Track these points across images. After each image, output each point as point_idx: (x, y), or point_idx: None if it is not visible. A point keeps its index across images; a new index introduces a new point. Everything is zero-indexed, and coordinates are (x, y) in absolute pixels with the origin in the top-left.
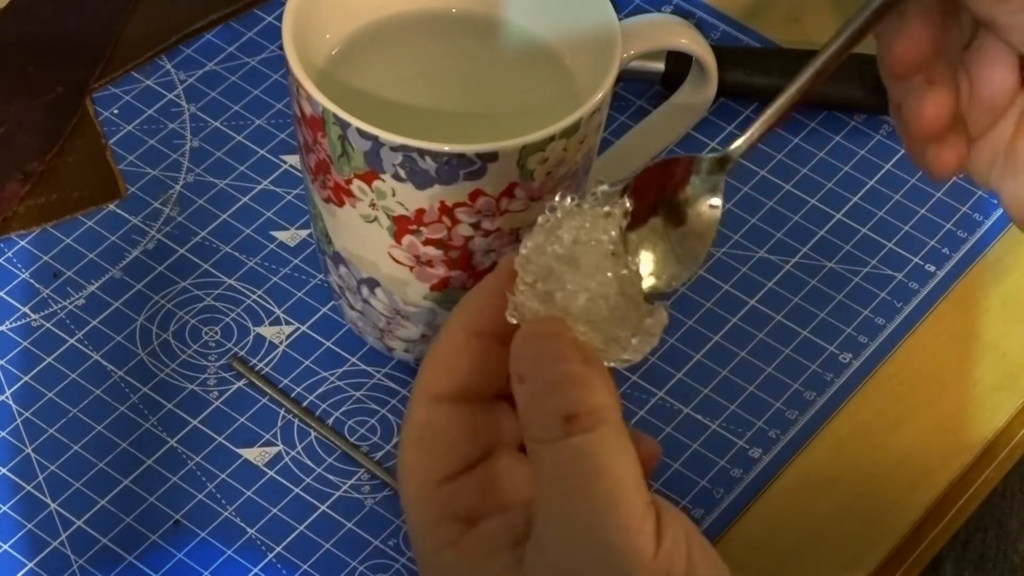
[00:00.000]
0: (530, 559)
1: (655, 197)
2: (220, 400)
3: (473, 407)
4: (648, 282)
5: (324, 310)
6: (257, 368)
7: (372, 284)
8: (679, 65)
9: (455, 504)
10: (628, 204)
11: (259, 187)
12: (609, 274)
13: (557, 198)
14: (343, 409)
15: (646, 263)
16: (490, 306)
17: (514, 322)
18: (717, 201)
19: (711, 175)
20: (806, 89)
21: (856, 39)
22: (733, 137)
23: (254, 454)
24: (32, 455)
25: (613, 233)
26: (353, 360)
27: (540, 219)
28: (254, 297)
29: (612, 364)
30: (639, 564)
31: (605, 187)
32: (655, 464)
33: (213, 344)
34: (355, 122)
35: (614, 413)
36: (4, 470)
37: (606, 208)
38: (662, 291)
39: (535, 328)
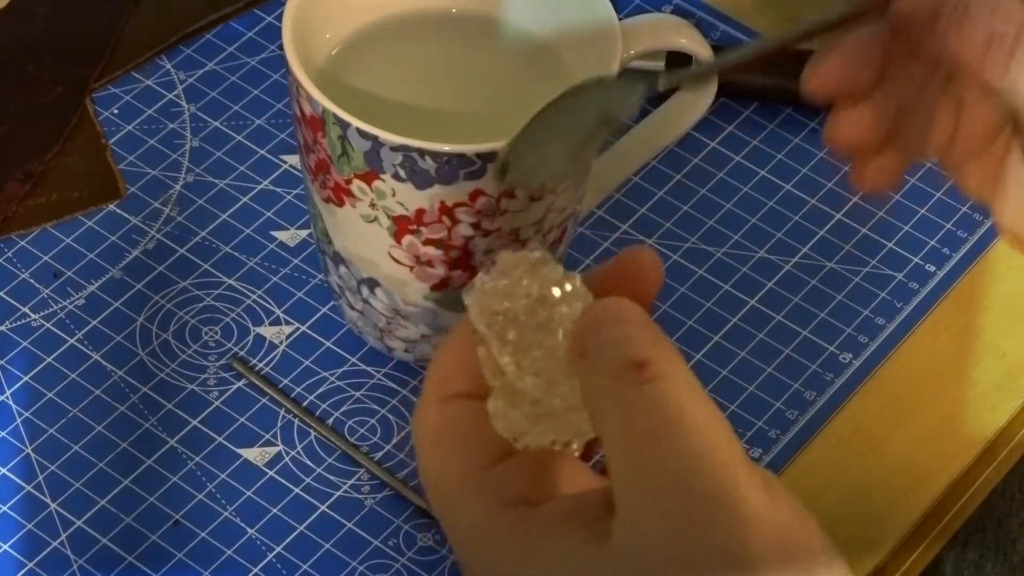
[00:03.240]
0: (620, 532)
1: None
2: (220, 400)
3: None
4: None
5: (324, 310)
6: (257, 368)
7: (372, 284)
8: (679, 65)
9: (508, 487)
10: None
11: (259, 187)
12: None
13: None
14: (343, 409)
15: None
16: None
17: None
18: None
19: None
20: (739, 63)
21: (805, 37)
22: (734, 137)
23: (254, 454)
24: (32, 455)
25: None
26: (353, 360)
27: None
28: (254, 297)
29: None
30: (752, 516)
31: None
32: (658, 278)
33: (213, 344)
34: (355, 122)
35: (683, 362)
36: (4, 470)
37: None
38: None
39: (599, 305)
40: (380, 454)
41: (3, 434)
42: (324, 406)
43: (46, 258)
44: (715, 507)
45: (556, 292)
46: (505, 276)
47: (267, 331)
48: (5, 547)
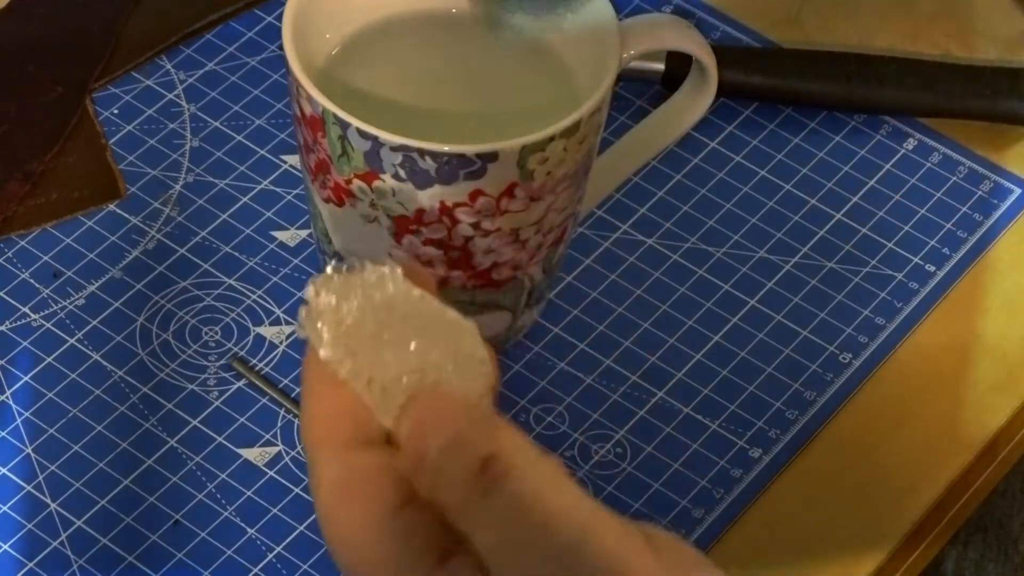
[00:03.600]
0: None
1: None
2: (220, 400)
3: (386, 449)
4: None
5: None
6: (257, 368)
7: None
8: (679, 65)
9: (418, 532)
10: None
11: (259, 187)
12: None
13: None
14: None
15: None
16: None
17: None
18: None
19: None
20: None
21: None
22: (734, 137)
23: (254, 454)
24: (32, 455)
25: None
26: None
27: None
28: (254, 297)
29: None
30: None
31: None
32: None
33: (213, 344)
34: (355, 122)
35: (523, 446)
36: (4, 470)
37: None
38: None
39: (415, 408)
40: None
41: (3, 434)
42: None
43: (46, 258)
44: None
45: (362, 277)
46: (310, 304)
47: (267, 331)
48: (5, 547)
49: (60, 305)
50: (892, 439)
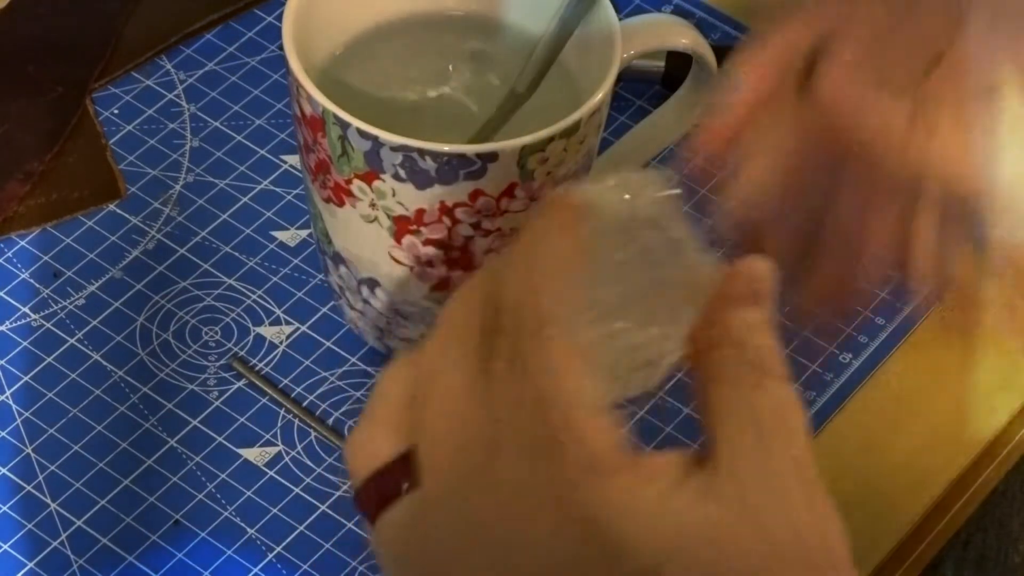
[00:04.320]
0: (726, 490)
1: None
2: (220, 400)
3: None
4: None
5: (324, 310)
6: (257, 368)
7: (372, 284)
8: (679, 65)
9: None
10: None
11: (259, 187)
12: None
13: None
14: (343, 409)
15: None
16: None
17: None
18: None
19: None
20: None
21: None
22: None
23: (254, 454)
24: (32, 455)
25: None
26: (353, 360)
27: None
28: (254, 297)
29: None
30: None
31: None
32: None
33: (213, 344)
34: (355, 122)
35: None
36: (4, 470)
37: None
38: None
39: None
40: None
41: (3, 434)
42: (324, 406)
43: (46, 258)
44: (814, 505)
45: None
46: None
47: (267, 331)
48: (5, 547)
49: (60, 305)
50: (892, 439)
